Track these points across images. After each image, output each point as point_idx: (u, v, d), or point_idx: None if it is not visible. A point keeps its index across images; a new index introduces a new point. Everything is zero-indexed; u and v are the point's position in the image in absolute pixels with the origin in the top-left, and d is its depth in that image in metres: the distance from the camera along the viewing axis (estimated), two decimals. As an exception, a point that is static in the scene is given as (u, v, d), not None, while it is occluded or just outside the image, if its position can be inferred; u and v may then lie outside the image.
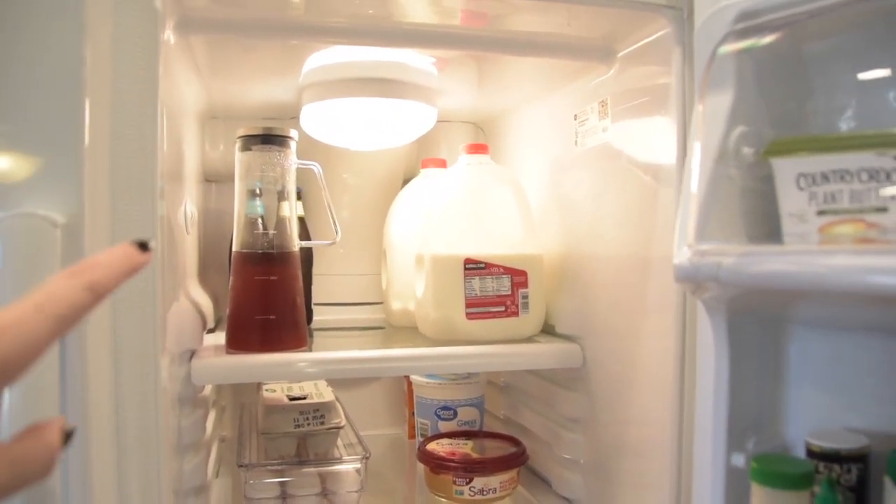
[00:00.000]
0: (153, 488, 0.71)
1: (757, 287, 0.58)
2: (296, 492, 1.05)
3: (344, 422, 1.15)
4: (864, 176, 0.54)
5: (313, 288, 1.25)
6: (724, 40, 0.65)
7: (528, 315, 1.08)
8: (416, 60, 1.07)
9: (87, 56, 0.65)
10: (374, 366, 1.02)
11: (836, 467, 0.62)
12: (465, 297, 1.05)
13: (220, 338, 1.03)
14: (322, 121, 1.14)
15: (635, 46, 0.94)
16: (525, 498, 1.16)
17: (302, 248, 1.05)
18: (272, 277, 0.99)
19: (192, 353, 0.95)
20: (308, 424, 1.11)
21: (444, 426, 1.25)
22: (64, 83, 0.64)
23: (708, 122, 0.64)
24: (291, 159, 1.02)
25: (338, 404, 1.17)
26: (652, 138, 0.89)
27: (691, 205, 0.62)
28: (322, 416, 1.12)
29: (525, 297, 1.08)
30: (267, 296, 0.98)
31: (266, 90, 1.22)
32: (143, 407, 0.71)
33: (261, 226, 1.00)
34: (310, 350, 1.01)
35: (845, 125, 0.66)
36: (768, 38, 0.65)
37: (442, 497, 1.08)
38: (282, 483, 1.06)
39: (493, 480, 1.06)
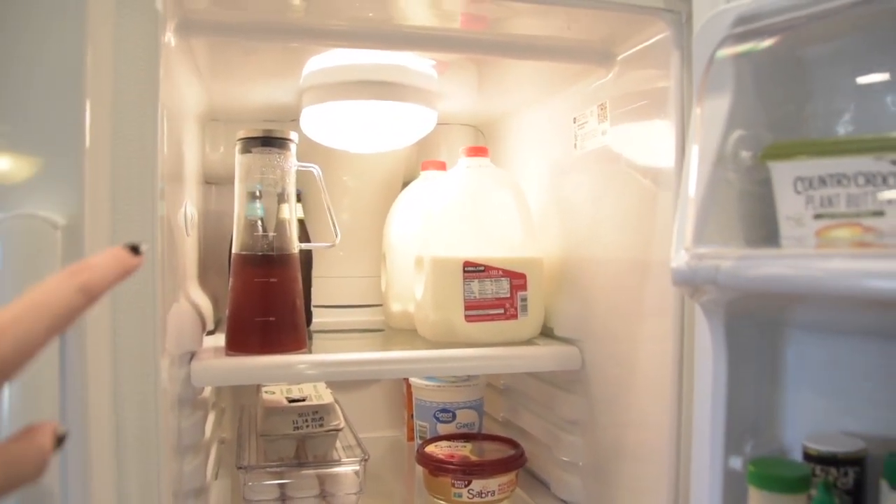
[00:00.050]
0: (152, 490, 0.71)
1: (755, 290, 0.59)
2: (295, 494, 1.05)
3: (343, 424, 1.15)
4: (861, 180, 0.54)
5: (313, 290, 1.25)
6: (722, 44, 0.65)
7: (526, 318, 1.08)
8: (416, 63, 1.07)
9: (88, 58, 0.65)
10: (374, 368, 1.02)
11: (833, 471, 0.62)
12: (465, 299, 1.05)
13: (219, 339, 1.03)
14: (322, 123, 1.14)
15: (634, 50, 0.94)
16: (524, 500, 1.16)
17: (301, 251, 1.05)
18: (272, 279, 0.99)
19: (192, 355, 0.95)
20: (307, 426, 1.11)
21: (442, 428, 1.26)
22: (65, 84, 0.65)
23: (706, 125, 0.64)
24: (291, 162, 1.02)
25: (337, 406, 1.17)
26: (651, 141, 0.89)
27: (689, 208, 0.63)
28: (321, 419, 1.12)
29: (524, 299, 1.08)
30: (266, 298, 0.98)
31: (266, 92, 1.22)
32: (143, 408, 0.71)
33: (260, 228, 1.00)
34: (309, 352, 1.01)
35: (843, 129, 0.66)
36: (766, 42, 0.65)
37: (440, 499, 1.08)
38: (281, 485, 1.06)
39: (492, 483, 1.06)
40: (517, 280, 1.08)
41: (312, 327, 1.25)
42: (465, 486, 1.06)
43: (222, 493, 1.18)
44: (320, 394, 1.19)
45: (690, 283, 0.62)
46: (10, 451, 0.40)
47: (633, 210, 0.93)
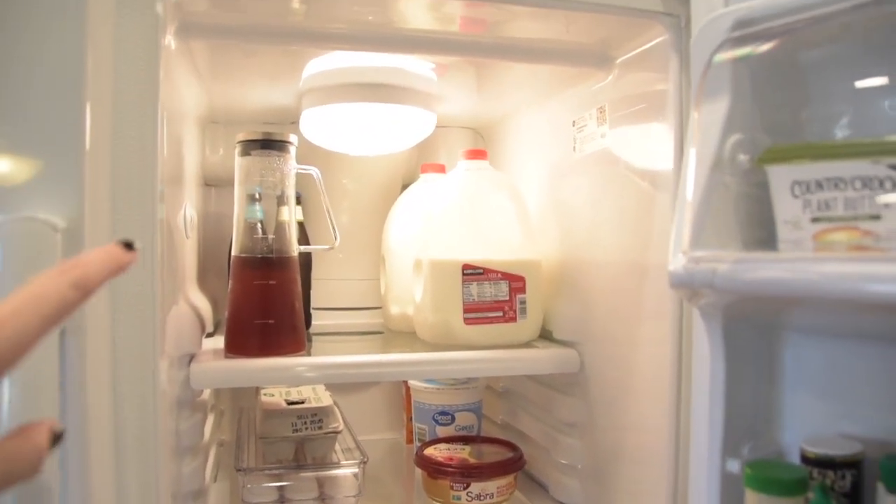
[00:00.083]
0: (151, 491, 0.72)
1: (752, 294, 0.59)
2: (294, 496, 1.05)
3: (342, 426, 1.15)
4: (858, 184, 0.55)
5: (312, 292, 1.25)
6: (720, 48, 0.66)
7: (525, 320, 1.09)
8: (415, 66, 1.07)
9: (89, 60, 0.66)
10: (373, 370, 1.02)
11: (831, 473, 0.62)
12: (463, 302, 1.05)
13: (219, 342, 1.03)
14: (321, 126, 1.14)
15: (633, 53, 0.95)
16: (522, 503, 1.16)
17: (301, 253, 1.05)
18: (271, 282, 0.99)
19: (191, 357, 0.95)
20: (306, 429, 1.11)
21: (441, 431, 1.26)
22: (65, 86, 0.65)
23: (704, 129, 0.65)
24: (291, 164, 1.02)
25: (336, 409, 1.17)
26: (650, 144, 0.89)
27: (686, 212, 0.63)
28: (320, 421, 1.12)
29: (523, 302, 1.08)
30: (266, 300, 0.98)
31: (266, 95, 1.22)
32: (142, 410, 0.71)
33: (260, 230, 1.00)
34: (308, 354, 1.01)
35: (840, 133, 0.66)
36: (764, 46, 0.65)
37: (439, 502, 1.08)
38: (280, 487, 1.06)
39: (491, 485, 1.06)
40: (516, 283, 1.08)
41: (312, 329, 1.25)
42: (464, 488, 1.06)
43: (221, 495, 1.18)
44: (319, 396, 1.19)
45: (687, 287, 0.62)
46: (6, 448, 0.41)
47: (631, 213, 0.94)
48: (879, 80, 0.65)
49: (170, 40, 0.78)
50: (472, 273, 1.06)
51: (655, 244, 0.87)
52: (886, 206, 0.53)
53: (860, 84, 0.66)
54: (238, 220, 1.01)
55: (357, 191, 1.37)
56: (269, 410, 1.12)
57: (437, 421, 1.26)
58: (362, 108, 1.08)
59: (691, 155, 0.64)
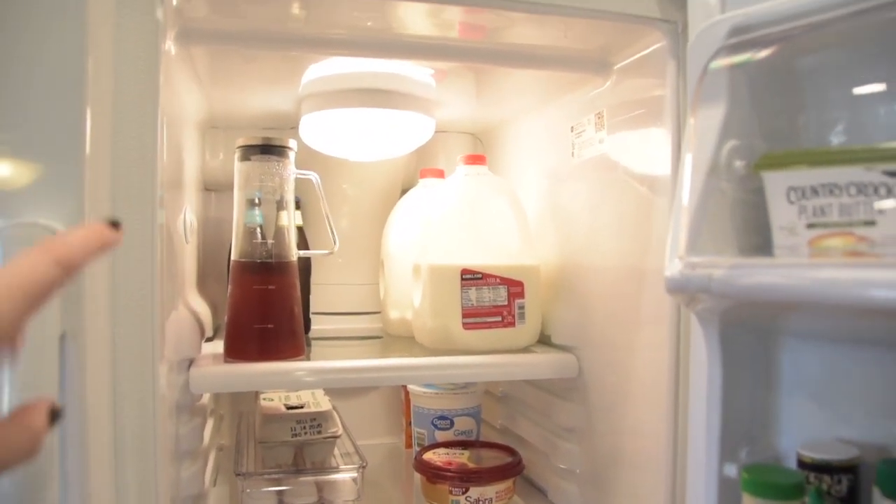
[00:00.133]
0: (150, 495, 0.72)
1: (747, 299, 0.59)
2: (293, 500, 1.06)
3: (341, 431, 1.15)
4: (853, 190, 0.55)
5: (311, 297, 1.25)
6: (716, 55, 0.66)
7: (524, 325, 1.09)
8: (414, 72, 1.08)
9: (89, 66, 0.66)
10: (372, 375, 1.02)
11: (827, 478, 0.63)
12: (462, 307, 1.06)
13: (218, 346, 1.04)
14: (321, 131, 1.14)
15: (631, 59, 0.95)
16: (521, 508, 1.16)
17: (300, 258, 1.05)
18: (270, 287, 0.99)
19: (191, 362, 0.95)
20: (305, 433, 1.11)
21: (440, 436, 1.26)
22: (65, 92, 0.65)
23: (700, 135, 0.65)
24: (290, 169, 1.03)
25: (335, 413, 1.17)
26: (647, 150, 0.90)
27: (682, 217, 0.63)
28: (319, 426, 1.12)
29: (521, 307, 1.08)
30: (265, 305, 0.99)
31: (266, 100, 1.23)
32: (141, 414, 0.71)
33: (259, 235, 1.00)
34: (307, 359, 1.02)
35: (836, 139, 0.66)
36: (761, 53, 0.66)
37: (438, 506, 1.09)
38: (279, 492, 1.06)
39: (490, 490, 1.06)
40: (514, 288, 1.08)
41: (311, 334, 1.25)
42: (463, 493, 1.06)
43: (221, 499, 1.18)
44: (318, 401, 1.20)
45: (683, 292, 0.62)
46: (3, 432, 0.41)
47: (629, 218, 0.94)
48: (875, 87, 0.66)
49: (170, 46, 0.78)
50: (470, 278, 1.06)
51: (653, 249, 0.88)
52: (881, 211, 0.54)
53: (856, 91, 0.66)
54: (237, 224, 1.01)
55: (356, 196, 1.38)
56: (269, 415, 1.12)
57: (436, 426, 1.26)
58: (361, 113, 1.08)
59: (687, 160, 0.65)
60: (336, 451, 1.16)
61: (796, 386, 0.69)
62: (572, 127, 1.10)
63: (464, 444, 1.22)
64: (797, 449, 0.66)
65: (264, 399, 1.20)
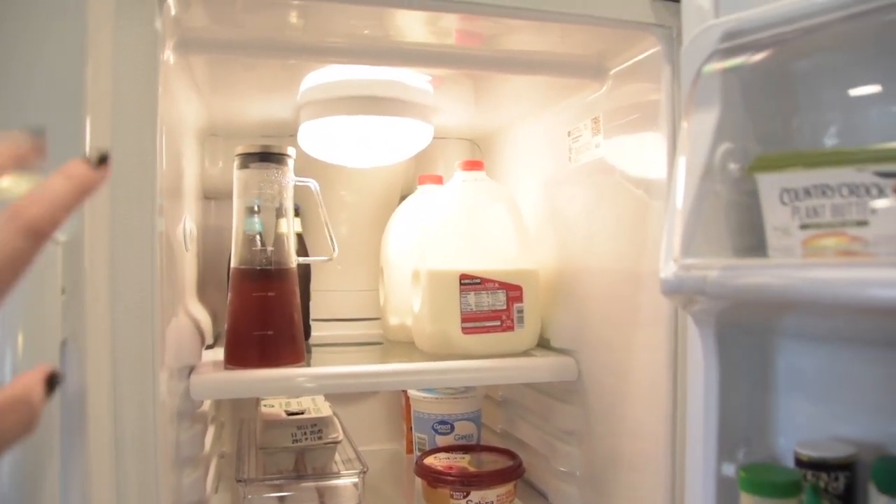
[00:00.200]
0: (151, 502, 0.72)
1: (742, 299, 0.60)
2: (294, 506, 1.06)
3: (341, 436, 1.15)
4: (845, 191, 0.56)
5: (311, 304, 1.26)
6: (709, 59, 0.67)
7: (523, 329, 1.09)
8: (412, 79, 1.09)
9: (88, 75, 0.67)
10: (372, 380, 1.03)
11: (824, 475, 0.63)
12: (461, 311, 1.06)
13: (218, 354, 1.04)
14: (319, 138, 1.15)
15: (626, 64, 0.96)
16: (522, 511, 1.16)
17: (300, 265, 1.06)
18: (270, 293, 1.00)
19: (191, 369, 0.96)
20: (306, 439, 1.11)
21: (441, 440, 1.26)
22: (65, 101, 0.66)
23: (694, 138, 0.66)
24: (289, 176, 1.03)
25: (335, 419, 1.18)
26: (643, 154, 0.90)
27: (677, 220, 0.64)
28: (320, 431, 1.13)
29: (520, 311, 1.09)
30: (265, 312, 0.99)
31: (264, 108, 1.23)
32: (142, 421, 0.71)
33: (259, 242, 1.01)
34: (308, 365, 1.02)
35: (830, 142, 0.67)
36: (754, 57, 0.66)
37: (439, 511, 1.09)
38: (280, 498, 1.06)
39: (490, 494, 1.07)
40: (513, 292, 1.09)
41: (311, 341, 1.25)
42: (464, 497, 1.06)
43: (222, 506, 1.18)
44: (319, 407, 1.20)
45: (678, 293, 0.63)
46: None
47: (626, 221, 0.94)
48: (868, 89, 0.66)
49: (169, 55, 0.79)
50: (469, 283, 1.07)
51: (650, 252, 0.88)
52: (873, 211, 0.54)
53: (849, 93, 0.67)
54: (237, 232, 1.02)
55: (355, 203, 1.38)
56: (270, 421, 1.13)
57: (436, 430, 1.26)
58: (359, 120, 1.09)
59: (681, 164, 0.65)
60: (337, 457, 1.17)
61: (793, 386, 0.70)
62: (569, 132, 1.11)
63: (464, 449, 1.22)
64: (794, 448, 0.66)
65: (265, 405, 1.21)
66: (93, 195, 0.41)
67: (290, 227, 1.03)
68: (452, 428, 1.26)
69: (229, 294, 1.01)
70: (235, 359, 0.98)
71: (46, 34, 0.66)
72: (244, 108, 1.24)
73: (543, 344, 1.16)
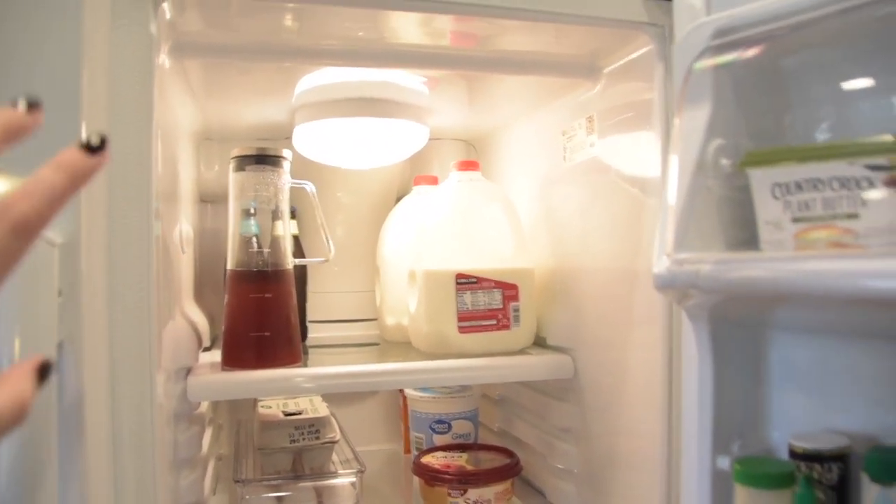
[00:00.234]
0: (149, 502, 0.72)
1: (734, 293, 0.60)
2: (292, 506, 1.07)
3: (339, 436, 1.16)
4: (836, 184, 0.56)
5: (308, 305, 1.26)
6: (700, 56, 0.67)
7: (519, 328, 1.10)
8: (406, 80, 1.09)
9: (84, 79, 0.67)
10: (369, 380, 1.03)
11: (818, 467, 0.63)
12: (458, 311, 1.07)
13: (216, 356, 1.04)
14: (314, 141, 1.15)
15: (620, 63, 0.96)
16: (520, 509, 1.17)
17: (296, 267, 1.06)
18: (267, 295, 1.00)
19: (188, 371, 0.96)
20: (303, 439, 1.12)
21: (438, 439, 1.27)
22: (61, 106, 0.66)
23: (686, 134, 0.66)
24: (285, 179, 1.04)
25: (332, 419, 1.18)
26: (637, 152, 0.91)
27: (670, 215, 0.64)
28: (317, 431, 1.13)
29: (516, 310, 1.09)
30: (262, 313, 1.00)
31: (259, 111, 1.24)
32: (139, 422, 0.72)
33: (255, 244, 1.01)
34: (305, 366, 1.02)
35: (822, 137, 0.68)
36: (745, 54, 0.67)
37: (437, 509, 1.09)
38: (278, 498, 1.06)
39: (488, 491, 1.07)
40: (509, 291, 1.09)
41: (308, 342, 1.26)
42: (462, 495, 1.06)
43: (221, 507, 1.19)
44: (316, 407, 1.20)
45: (672, 287, 0.63)
46: None
47: (621, 219, 0.95)
48: (858, 84, 0.67)
49: (164, 59, 0.80)
50: (465, 282, 1.07)
51: (645, 250, 0.88)
52: (863, 204, 0.55)
53: (840, 88, 0.68)
54: (233, 234, 1.02)
55: (351, 204, 1.39)
56: (267, 422, 1.13)
57: (433, 429, 1.27)
58: (355, 122, 1.09)
59: (673, 160, 0.66)
60: (335, 458, 1.17)
61: (786, 379, 0.70)
62: (564, 131, 1.11)
63: (462, 447, 1.22)
64: (789, 440, 0.67)
65: (262, 407, 1.21)
66: (89, 184, 0.40)
67: (286, 228, 1.03)
68: (450, 427, 1.26)
69: (226, 296, 1.01)
70: (232, 360, 0.98)
71: (42, 38, 0.66)
72: (239, 111, 1.25)
73: (539, 343, 1.16)
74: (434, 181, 1.32)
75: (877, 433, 0.64)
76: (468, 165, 1.16)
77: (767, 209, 0.61)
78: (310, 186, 1.07)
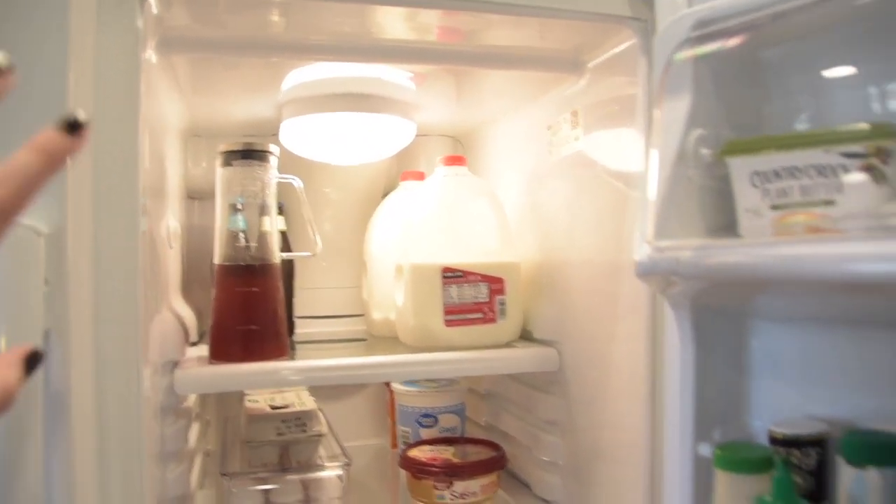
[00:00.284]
0: (136, 494, 0.72)
1: (714, 278, 0.61)
2: (279, 499, 1.06)
3: (325, 429, 1.16)
4: (813, 172, 0.57)
5: (296, 301, 1.26)
6: (680, 47, 0.68)
7: (505, 321, 1.10)
8: (393, 75, 1.10)
9: (71, 74, 0.67)
10: (356, 373, 1.04)
11: (797, 452, 0.65)
12: (444, 304, 1.07)
13: (203, 351, 1.05)
14: (301, 136, 1.16)
15: (603, 57, 0.97)
16: (505, 501, 1.17)
17: (284, 262, 1.07)
18: (254, 289, 1.00)
19: (175, 364, 0.96)
20: (290, 432, 1.12)
21: (425, 433, 1.27)
22: (47, 101, 0.66)
23: (667, 125, 0.67)
24: (272, 174, 1.04)
25: (319, 413, 1.18)
26: (621, 146, 0.92)
27: (650, 204, 0.65)
28: (304, 425, 1.13)
29: (502, 303, 1.10)
30: (249, 307, 1.00)
31: (247, 107, 1.24)
32: (126, 416, 0.72)
33: (242, 239, 1.01)
34: (292, 360, 1.03)
35: (801, 127, 0.69)
36: (725, 44, 0.68)
37: (424, 502, 1.09)
38: (265, 491, 1.06)
39: (474, 484, 1.08)
40: (495, 284, 1.10)
41: (295, 338, 1.26)
42: (448, 487, 1.07)
43: (207, 502, 1.18)
44: (303, 401, 1.21)
45: (652, 274, 0.64)
46: None
47: (606, 213, 0.96)
48: (837, 74, 0.68)
49: (151, 54, 0.80)
50: (451, 276, 1.08)
51: (628, 243, 0.89)
52: (839, 190, 0.56)
53: (819, 79, 0.69)
54: (220, 229, 1.02)
55: (339, 200, 1.39)
56: (254, 415, 1.13)
57: (420, 423, 1.27)
58: (341, 117, 1.09)
59: (654, 150, 0.67)
60: (322, 453, 1.17)
61: (767, 367, 0.72)
62: (549, 126, 1.12)
63: (448, 441, 1.23)
64: (769, 427, 0.68)
65: (249, 401, 1.21)
66: (68, 165, 0.39)
67: (273, 223, 1.04)
68: (437, 421, 1.27)
69: (214, 290, 1.02)
70: (220, 353, 0.98)
71: (29, 32, 0.66)
72: (227, 108, 1.25)
73: (526, 336, 1.17)
74: (421, 177, 1.32)
75: (855, 419, 0.65)
76: (455, 160, 1.17)
77: (746, 197, 0.62)
78: (297, 181, 1.08)
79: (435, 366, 1.06)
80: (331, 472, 1.10)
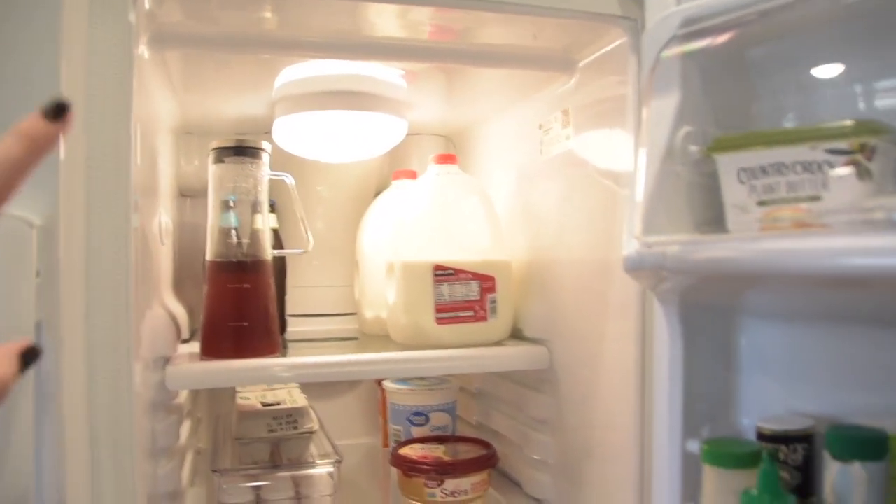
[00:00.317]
0: (127, 491, 0.72)
1: (701, 273, 0.62)
2: (269, 496, 1.06)
3: (316, 426, 1.16)
4: (799, 168, 0.58)
5: (288, 299, 1.27)
6: (667, 45, 0.69)
7: (496, 319, 1.11)
8: (385, 73, 1.10)
9: (63, 69, 0.68)
10: (347, 369, 1.04)
11: (784, 447, 0.65)
12: (435, 302, 1.07)
13: (195, 348, 1.04)
14: (294, 134, 1.16)
15: (594, 56, 0.97)
16: (496, 499, 1.17)
17: (276, 260, 1.06)
18: (245, 285, 1.00)
19: (167, 360, 0.96)
20: (281, 429, 1.12)
21: (416, 432, 1.27)
22: (39, 96, 0.65)
23: (655, 122, 0.68)
24: (264, 171, 1.04)
25: (310, 410, 1.18)
26: (612, 145, 0.92)
27: (639, 201, 0.66)
28: (295, 421, 1.13)
29: (493, 301, 1.10)
30: (240, 303, 1.00)
31: (239, 105, 1.24)
32: (117, 411, 0.72)
33: (234, 236, 1.01)
34: (283, 357, 1.03)
35: (788, 124, 0.70)
36: (712, 42, 0.69)
37: (414, 500, 1.09)
38: (255, 487, 1.06)
39: (465, 482, 1.08)
40: (486, 283, 1.10)
41: (287, 336, 1.26)
42: (438, 485, 1.07)
43: (198, 499, 1.18)
44: (294, 398, 1.21)
45: (640, 269, 0.65)
46: None
47: (597, 212, 0.96)
48: (822, 74, 0.69)
49: (143, 50, 0.80)
50: (443, 274, 1.08)
51: (618, 241, 0.89)
52: (825, 186, 0.56)
53: (805, 77, 0.70)
54: (212, 226, 1.02)
55: (331, 198, 1.39)
56: (245, 412, 1.13)
57: (411, 422, 1.27)
58: (333, 115, 1.10)
59: (642, 147, 0.67)
60: (314, 451, 1.17)
61: (755, 363, 0.72)
62: (540, 125, 1.12)
63: (439, 440, 1.23)
64: (756, 423, 0.68)
65: (241, 398, 1.21)
66: (52, 151, 0.38)
67: (265, 220, 1.04)
68: (428, 419, 1.27)
69: (205, 286, 1.02)
70: (211, 350, 0.98)
71: (20, 26, 0.67)
72: (219, 105, 1.25)
73: (517, 334, 1.17)
74: (413, 175, 1.32)
75: (839, 413, 0.66)
76: (446, 159, 1.17)
77: (734, 193, 0.62)
78: (289, 178, 1.08)
79: (426, 363, 1.06)
80: (322, 470, 1.10)
